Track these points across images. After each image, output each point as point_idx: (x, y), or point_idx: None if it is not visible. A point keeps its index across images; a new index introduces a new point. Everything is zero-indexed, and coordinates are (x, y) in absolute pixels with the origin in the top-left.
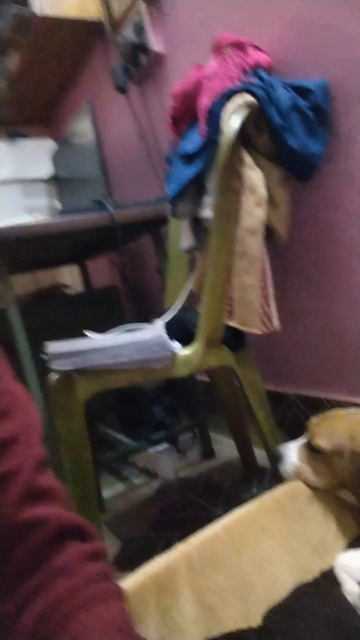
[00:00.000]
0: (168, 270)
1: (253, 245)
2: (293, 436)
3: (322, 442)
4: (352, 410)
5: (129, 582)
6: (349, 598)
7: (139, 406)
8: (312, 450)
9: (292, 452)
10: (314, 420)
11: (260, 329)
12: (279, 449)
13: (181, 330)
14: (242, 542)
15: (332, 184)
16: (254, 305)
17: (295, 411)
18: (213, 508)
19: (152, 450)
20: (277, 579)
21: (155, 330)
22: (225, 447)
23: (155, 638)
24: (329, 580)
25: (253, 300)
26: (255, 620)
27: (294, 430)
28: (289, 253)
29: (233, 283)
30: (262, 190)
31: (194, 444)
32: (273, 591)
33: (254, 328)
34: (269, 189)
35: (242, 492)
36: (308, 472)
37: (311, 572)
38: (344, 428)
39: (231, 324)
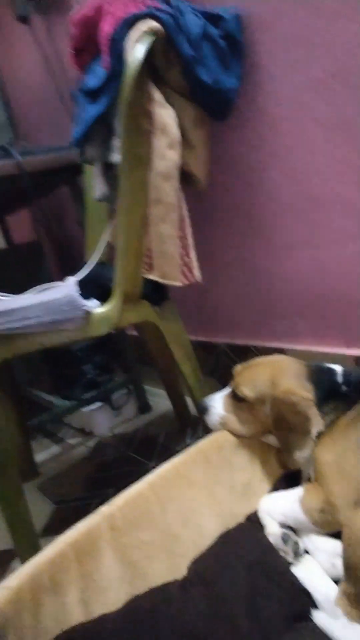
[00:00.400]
0: (87, 223)
1: (168, 191)
2: (226, 384)
3: (246, 391)
4: (275, 356)
5: (47, 551)
6: (271, 539)
7: (70, 366)
8: (236, 399)
9: (218, 403)
10: (237, 369)
11: (180, 281)
12: (204, 401)
13: (98, 287)
14: (167, 496)
15: (250, 122)
16: (173, 256)
17: (226, 360)
18: (147, 462)
19: (86, 409)
20: (203, 528)
21: (65, 288)
22: (162, 400)
23: (78, 604)
24: (253, 523)
25: (172, 250)
26: (181, 572)
27: (226, 379)
28: (210, 199)
29: (150, 233)
30: (174, 131)
31: (128, 399)
32: (199, 541)
33: (175, 280)
34: (182, 129)
35: (177, 445)
36: (233, 421)
37: (237, 517)
38: (266, 375)
39: (151, 277)
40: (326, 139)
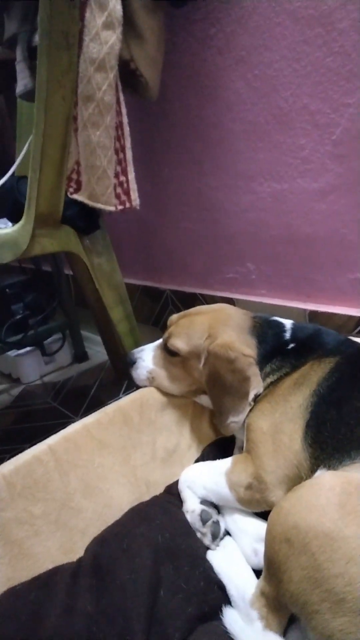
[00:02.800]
0: (19, 133)
1: (101, 85)
2: None
3: (178, 343)
4: (217, 305)
5: None
6: (188, 517)
7: None
8: (168, 352)
9: (147, 355)
10: (172, 319)
11: (114, 205)
12: (132, 353)
13: (12, 203)
14: (71, 462)
15: (214, 15)
16: (106, 173)
17: (172, 309)
18: (74, 416)
19: (13, 353)
20: (112, 499)
21: None
22: (102, 349)
23: None
24: (172, 497)
25: (104, 165)
26: (78, 552)
27: None
28: (159, 111)
29: (78, 141)
30: (116, 6)
31: (63, 346)
32: (105, 515)
33: (107, 204)
34: (129, 10)
35: (109, 398)
36: (163, 377)
37: (155, 488)
38: (203, 326)
39: (77, 198)
40: (304, 38)
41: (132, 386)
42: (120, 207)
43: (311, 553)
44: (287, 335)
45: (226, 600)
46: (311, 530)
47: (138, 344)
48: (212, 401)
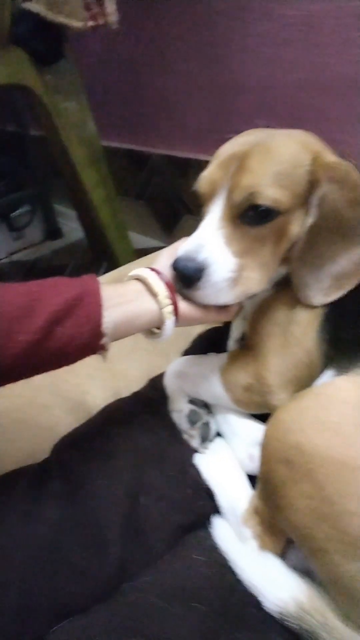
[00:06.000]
0: None
1: None
2: (155, 207)
3: (276, 193)
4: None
5: None
6: (174, 417)
7: None
8: (252, 222)
9: (216, 246)
10: (222, 161)
11: (81, 20)
12: (186, 255)
13: None
14: None
15: None
16: None
17: (159, 178)
18: None
19: None
20: (84, 395)
21: None
22: (78, 225)
23: None
24: (155, 392)
25: None
26: (44, 453)
27: (158, 202)
28: None
29: None
30: None
31: (32, 220)
32: (77, 412)
33: (71, 16)
34: None
35: None
36: (255, 271)
37: (136, 382)
38: (297, 152)
39: (31, 7)
40: None
41: (113, 267)
42: (91, 23)
43: (317, 481)
44: None
45: (216, 509)
46: (318, 454)
47: (116, 216)
48: (303, 264)
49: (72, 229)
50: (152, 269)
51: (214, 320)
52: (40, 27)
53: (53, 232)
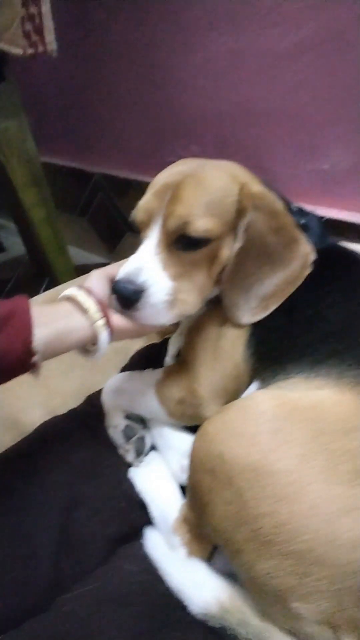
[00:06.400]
0: None
1: None
2: (98, 224)
3: (207, 223)
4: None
5: None
6: (110, 432)
7: None
8: (186, 247)
9: (153, 271)
10: (157, 188)
11: (21, 47)
12: (126, 279)
13: None
14: None
15: None
16: (11, 3)
17: (102, 196)
18: None
19: None
20: (19, 414)
21: None
22: (20, 240)
23: None
24: (92, 409)
25: None
26: None
27: (100, 220)
28: None
29: None
30: None
31: None
32: (12, 431)
33: (11, 43)
34: None
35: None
36: (189, 293)
37: (74, 399)
38: (226, 182)
39: None
40: None
41: (55, 283)
42: (30, 51)
43: (236, 488)
44: None
45: (149, 519)
46: (237, 462)
47: (57, 235)
48: (233, 287)
49: (15, 242)
50: (82, 287)
51: (150, 331)
52: None
53: None
